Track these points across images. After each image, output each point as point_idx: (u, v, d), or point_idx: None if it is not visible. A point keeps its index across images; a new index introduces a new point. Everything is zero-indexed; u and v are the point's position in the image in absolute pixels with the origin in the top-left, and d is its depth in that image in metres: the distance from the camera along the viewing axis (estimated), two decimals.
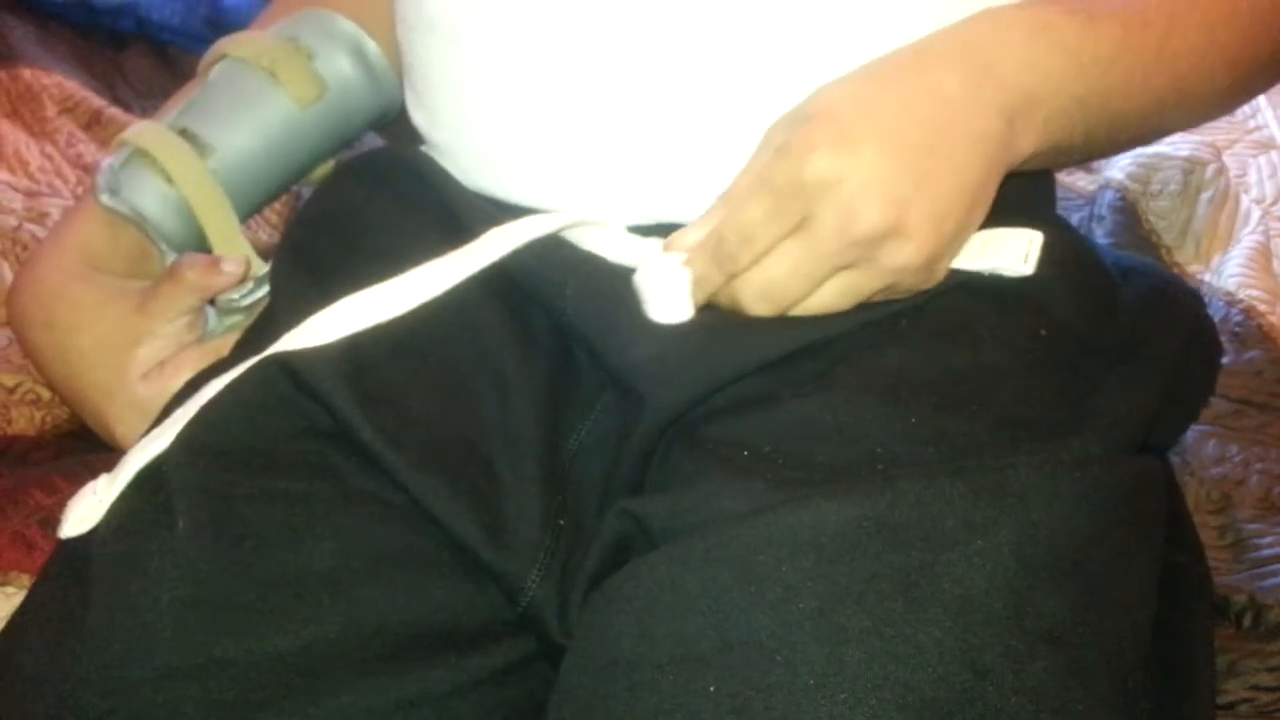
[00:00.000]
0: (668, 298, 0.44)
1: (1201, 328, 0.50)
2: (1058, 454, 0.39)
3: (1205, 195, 0.83)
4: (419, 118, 0.56)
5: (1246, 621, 0.50)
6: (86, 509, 0.43)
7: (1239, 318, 0.69)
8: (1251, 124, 0.96)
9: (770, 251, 0.42)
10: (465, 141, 0.53)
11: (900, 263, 0.42)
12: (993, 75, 0.43)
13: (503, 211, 0.50)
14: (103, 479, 0.44)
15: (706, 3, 0.47)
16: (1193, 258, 0.79)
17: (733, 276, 0.44)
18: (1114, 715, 0.35)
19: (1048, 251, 0.46)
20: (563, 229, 0.48)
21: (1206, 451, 0.61)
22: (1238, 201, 0.83)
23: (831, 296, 0.43)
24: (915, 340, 0.44)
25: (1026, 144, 0.44)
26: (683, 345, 0.44)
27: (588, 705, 0.37)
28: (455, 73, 0.52)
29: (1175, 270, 0.77)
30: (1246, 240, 0.78)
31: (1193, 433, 0.63)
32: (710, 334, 0.44)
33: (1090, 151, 0.50)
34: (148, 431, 0.46)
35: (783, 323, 0.44)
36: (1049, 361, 0.44)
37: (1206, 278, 0.76)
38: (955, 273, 0.45)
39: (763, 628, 0.35)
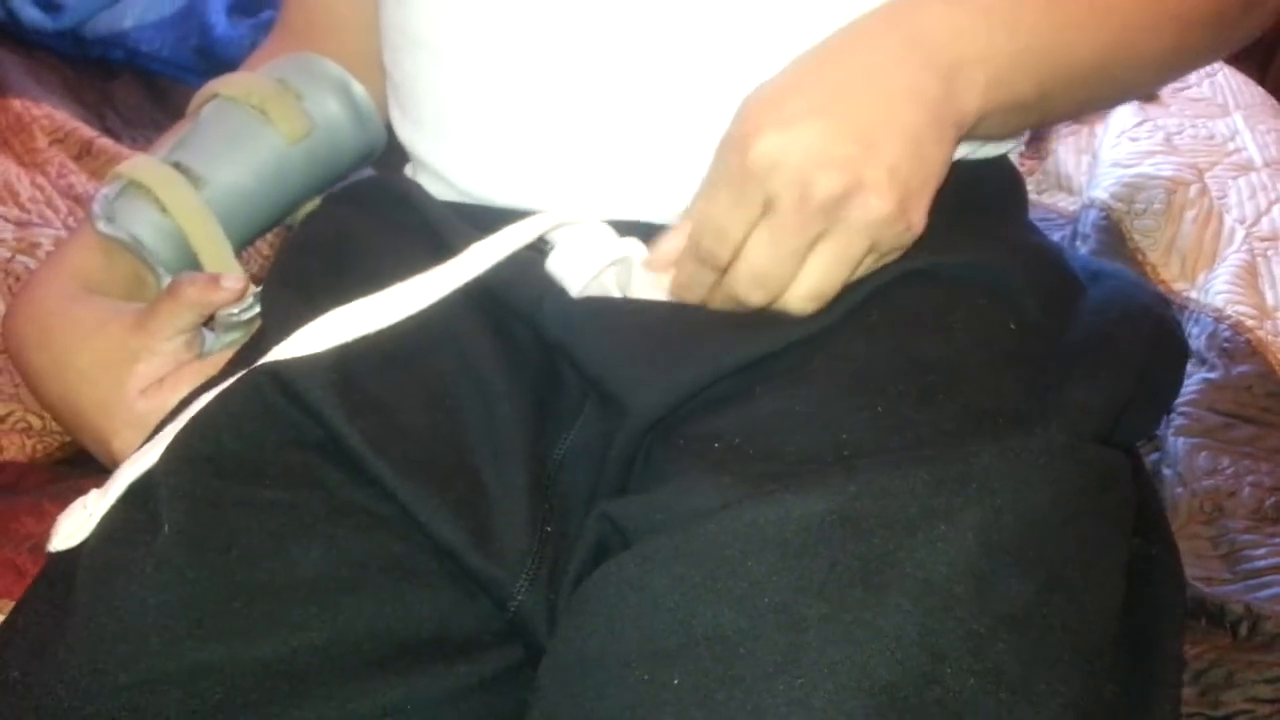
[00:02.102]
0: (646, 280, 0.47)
1: (1166, 327, 0.51)
2: (1023, 442, 0.39)
3: (1189, 214, 0.84)
4: (405, 132, 0.58)
5: (1243, 631, 0.50)
6: (76, 523, 0.43)
7: (1228, 333, 0.70)
8: (1230, 146, 0.97)
9: (747, 240, 0.44)
10: (450, 150, 0.55)
11: (870, 216, 0.43)
12: (921, 43, 0.45)
13: (488, 220, 0.51)
14: (93, 493, 0.44)
15: (673, 9, 0.49)
16: (1178, 275, 0.80)
17: (722, 273, 0.45)
18: (1078, 697, 0.35)
19: (1016, 251, 0.47)
20: (545, 232, 0.49)
21: (1198, 463, 0.62)
22: (1221, 221, 0.84)
23: (823, 268, 0.44)
24: (885, 331, 0.45)
25: (971, 102, 0.45)
26: (661, 350, 0.45)
27: (557, 705, 0.37)
28: (439, 85, 0.54)
29: (1161, 287, 0.78)
30: (1232, 259, 0.79)
31: (1184, 445, 0.63)
32: (688, 338, 0.45)
33: (1051, 108, 0.50)
34: (141, 446, 0.46)
35: (761, 322, 0.45)
36: (1017, 354, 0.45)
37: (1193, 294, 0.77)
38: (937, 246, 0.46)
39: (728, 622, 0.35)
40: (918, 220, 0.45)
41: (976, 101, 0.45)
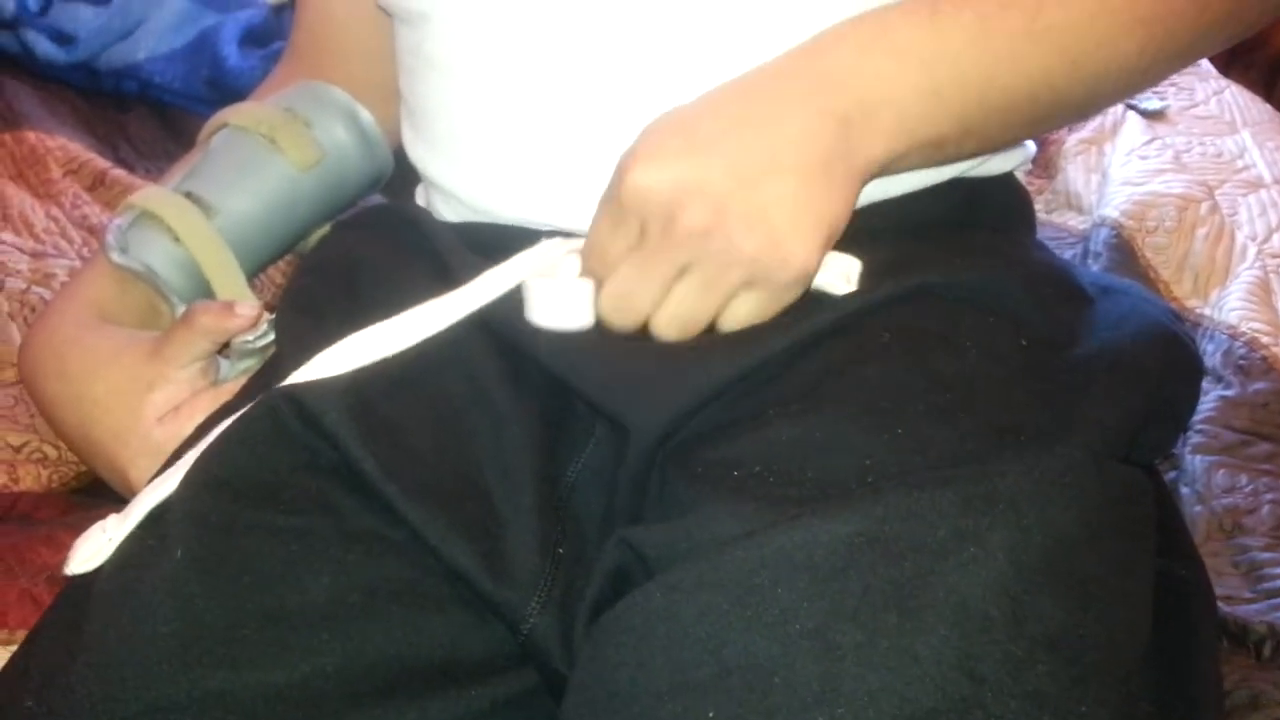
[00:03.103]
0: (557, 305, 0.48)
1: (1180, 342, 0.51)
2: (1046, 460, 0.39)
3: (1201, 231, 0.84)
4: (417, 152, 0.59)
5: (1266, 652, 0.49)
6: (95, 547, 0.43)
7: (1243, 350, 0.70)
8: (1239, 163, 0.97)
9: (618, 263, 0.46)
10: (462, 170, 0.56)
11: (735, 250, 0.44)
12: (826, 85, 0.45)
13: (501, 241, 0.52)
14: (111, 518, 0.44)
15: (684, 34, 0.49)
16: (1191, 292, 0.80)
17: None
18: (1117, 717, 0.35)
19: (1023, 267, 0.47)
20: (554, 258, 0.49)
21: (1216, 481, 0.61)
22: (1233, 238, 0.84)
23: (686, 297, 0.45)
24: (898, 352, 0.44)
25: (875, 145, 0.45)
26: (656, 369, 0.45)
27: None
28: (452, 106, 0.55)
29: (1174, 304, 0.78)
30: (1245, 275, 0.78)
31: (1201, 462, 0.63)
32: (683, 356, 0.45)
33: (983, 140, 0.49)
34: (158, 473, 0.46)
35: (751, 338, 0.45)
36: (1030, 370, 0.44)
37: (1206, 311, 0.77)
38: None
39: (760, 650, 0.35)
40: (799, 258, 0.44)
41: (882, 144, 0.45)
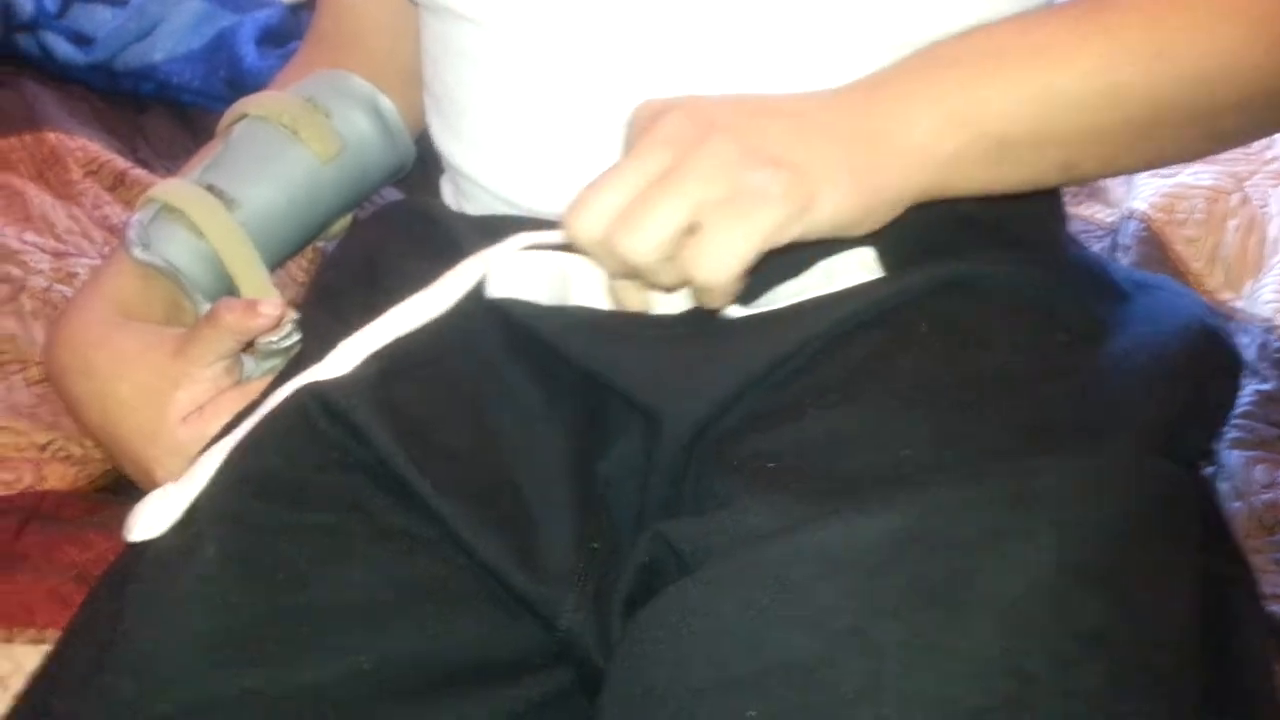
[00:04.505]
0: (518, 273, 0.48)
1: (1218, 338, 0.50)
2: (1088, 457, 0.39)
3: (1232, 223, 0.83)
4: (445, 142, 0.59)
5: None
6: (156, 512, 0.43)
7: (1278, 344, 0.69)
8: (1269, 154, 0.96)
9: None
10: (488, 157, 0.56)
11: (715, 152, 0.42)
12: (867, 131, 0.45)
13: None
14: (170, 485, 0.44)
15: (710, 27, 0.49)
16: (1223, 285, 0.79)
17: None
18: (1165, 717, 0.34)
19: (1058, 261, 0.46)
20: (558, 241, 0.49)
21: (1254, 476, 0.60)
22: (1264, 229, 0.83)
23: (661, 200, 0.42)
24: (934, 345, 0.44)
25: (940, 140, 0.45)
26: (689, 361, 0.44)
27: None
28: (479, 94, 0.55)
29: (1206, 297, 0.77)
30: (1278, 267, 0.77)
31: (1239, 457, 0.62)
32: (713, 345, 0.45)
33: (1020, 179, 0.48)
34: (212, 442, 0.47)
35: (784, 327, 0.44)
36: (1067, 366, 0.44)
37: (1240, 305, 0.76)
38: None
39: (800, 647, 0.34)
40: (789, 173, 0.42)
41: (919, 176, 0.45)
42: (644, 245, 0.42)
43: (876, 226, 0.45)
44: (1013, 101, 0.45)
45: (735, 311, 0.47)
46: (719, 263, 0.42)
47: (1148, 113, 0.46)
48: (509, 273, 0.48)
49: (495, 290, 0.48)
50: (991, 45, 0.46)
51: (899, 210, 0.45)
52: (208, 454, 0.45)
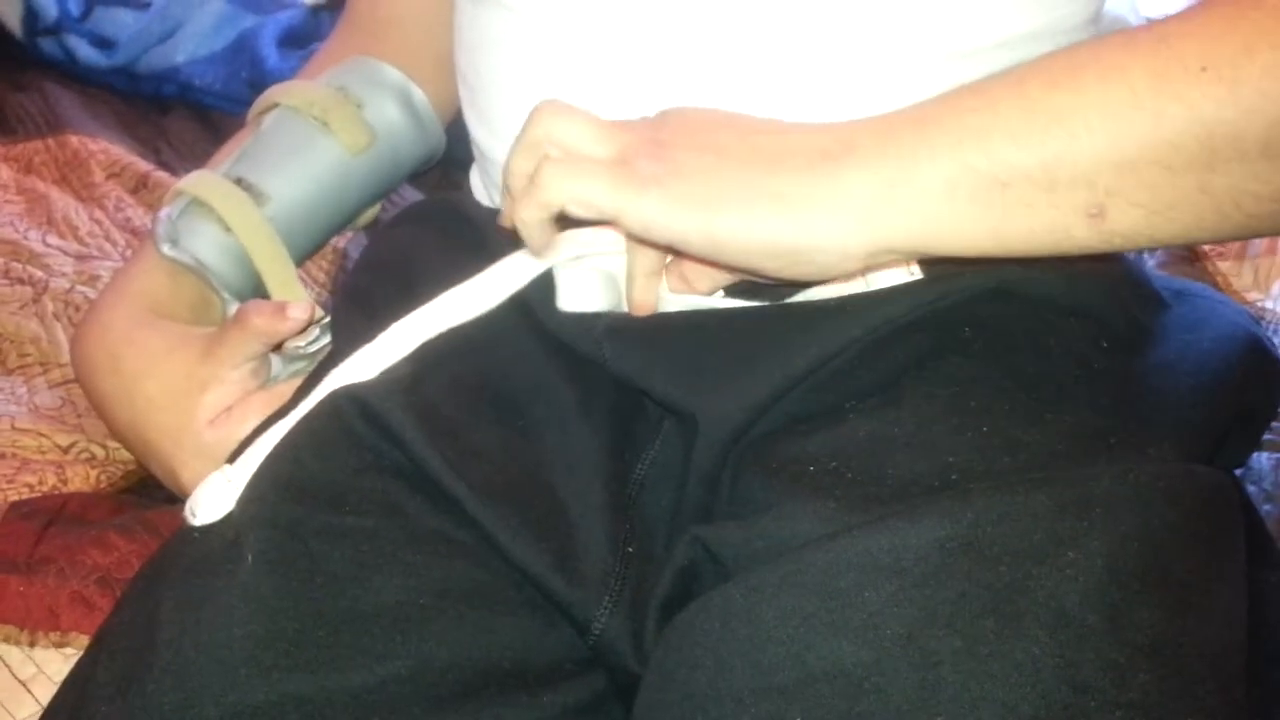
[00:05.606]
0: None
1: (1260, 346, 0.49)
2: (1138, 463, 0.38)
3: None
4: (478, 132, 0.58)
5: None
6: (217, 494, 0.43)
7: None
8: None
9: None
10: None
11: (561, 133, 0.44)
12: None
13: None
14: (226, 467, 0.44)
15: (736, 21, 0.48)
16: (1250, 284, 0.78)
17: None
18: None
19: (1099, 268, 0.45)
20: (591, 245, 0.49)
21: None
22: None
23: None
24: (980, 349, 0.43)
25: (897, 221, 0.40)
26: (726, 364, 0.44)
27: None
28: (512, 82, 0.54)
29: (1233, 297, 0.76)
30: None
31: (1269, 460, 0.61)
32: (751, 347, 0.44)
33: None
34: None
35: (823, 329, 0.44)
36: (1114, 374, 0.43)
37: (1268, 304, 0.74)
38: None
39: (848, 656, 0.34)
40: (656, 165, 0.42)
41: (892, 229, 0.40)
42: (516, 167, 0.46)
43: (807, 269, 0.41)
44: (1017, 124, 0.38)
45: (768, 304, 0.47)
46: (542, 191, 0.44)
47: (1198, 141, 0.36)
48: (575, 284, 0.48)
49: (566, 304, 0.48)
50: (1011, 75, 0.40)
51: (851, 258, 0.40)
52: (261, 438, 0.45)
